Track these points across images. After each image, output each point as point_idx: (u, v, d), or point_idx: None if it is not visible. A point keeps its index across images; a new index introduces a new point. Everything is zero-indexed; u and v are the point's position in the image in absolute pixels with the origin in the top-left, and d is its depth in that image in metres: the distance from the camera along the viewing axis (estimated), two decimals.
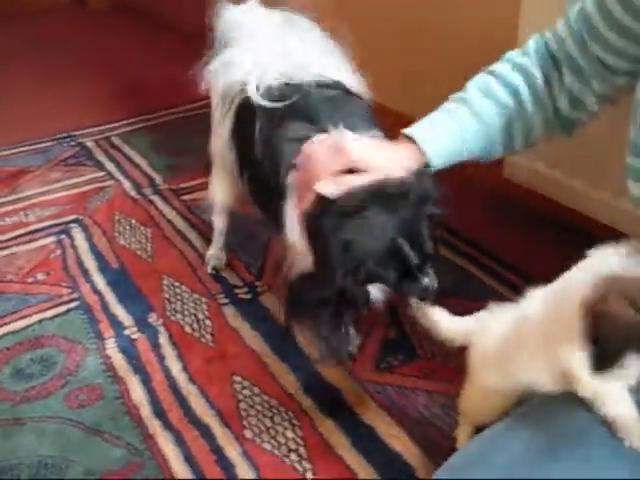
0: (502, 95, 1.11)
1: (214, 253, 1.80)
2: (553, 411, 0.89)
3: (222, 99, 1.51)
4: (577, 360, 0.83)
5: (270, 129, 1.34)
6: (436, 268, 1.15)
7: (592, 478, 0.81)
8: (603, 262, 0.83)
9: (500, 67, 1.14)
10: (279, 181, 1.26)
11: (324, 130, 1.21)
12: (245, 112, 1.43)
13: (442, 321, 1.13)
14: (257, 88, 1.40)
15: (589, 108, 1.10)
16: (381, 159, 1.10)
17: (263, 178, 1.36)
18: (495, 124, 1.12)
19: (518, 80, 1.11)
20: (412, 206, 1.09)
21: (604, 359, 0.79)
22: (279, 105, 1.34)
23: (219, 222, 1.79)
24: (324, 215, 1.08)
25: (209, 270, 1.78)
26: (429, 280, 1.13)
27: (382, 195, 1.07)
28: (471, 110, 1.11)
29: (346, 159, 1.08)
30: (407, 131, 1.12)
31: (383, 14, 2.18)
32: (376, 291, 1.24)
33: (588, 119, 1.14)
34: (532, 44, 1.13)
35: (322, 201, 1.08)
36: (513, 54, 1.15)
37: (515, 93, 1.11)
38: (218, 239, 1.81)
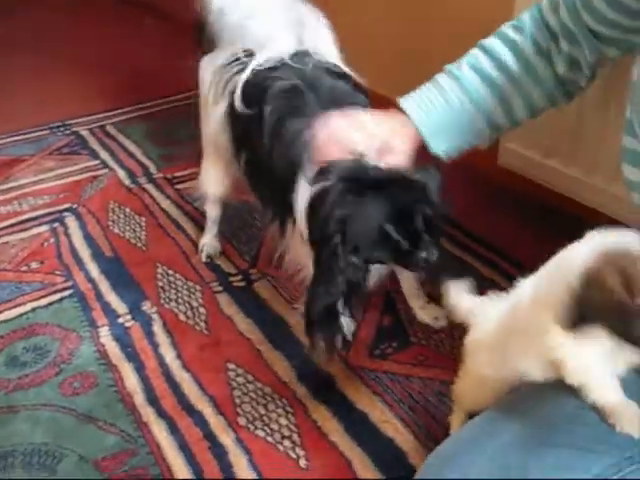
0: (492, 73, 1.13)
1: (208, 241, 1.80)
2: (542, 398, 0.89)
3: (216, 80, 1.50)
4: (563, 346, 0.83)
5: (282, 113, 1.33)
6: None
7: (582, 464, 0.82)
8: (603, 239, 0.82)
9: (491, 42, 1.15)
10: (295, 166, 1.26)
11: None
12: (246, 92, 1.42)
13: (454, 294, 1.12)
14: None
15: (585, 72, 1.10)
16: (400, 143, 1.14)
17: (269, 162, 1.34)
18: (489, 103, 1.14)
19: (507, 56, 1.12)
20: (410, 199, 1.12)
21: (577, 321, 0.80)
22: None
23: (212, 210, 1.78)
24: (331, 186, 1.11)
25: (203, 258, 1.77)
26: (427, 254, 1.13)
27: (389, 181, 1.11)
28: (466, 95, 1.14)
29: (371, 136, 1.12)
30: (417, 125, 1.15)
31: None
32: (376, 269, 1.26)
33: (587, 83, 1.14)
34: (527, 15, 1.13)
35: (332, 172, 1.12)
36: (506, 28, 1.15)
37: (505, 70, 1.12)
38: (212, 227, 1.80)
